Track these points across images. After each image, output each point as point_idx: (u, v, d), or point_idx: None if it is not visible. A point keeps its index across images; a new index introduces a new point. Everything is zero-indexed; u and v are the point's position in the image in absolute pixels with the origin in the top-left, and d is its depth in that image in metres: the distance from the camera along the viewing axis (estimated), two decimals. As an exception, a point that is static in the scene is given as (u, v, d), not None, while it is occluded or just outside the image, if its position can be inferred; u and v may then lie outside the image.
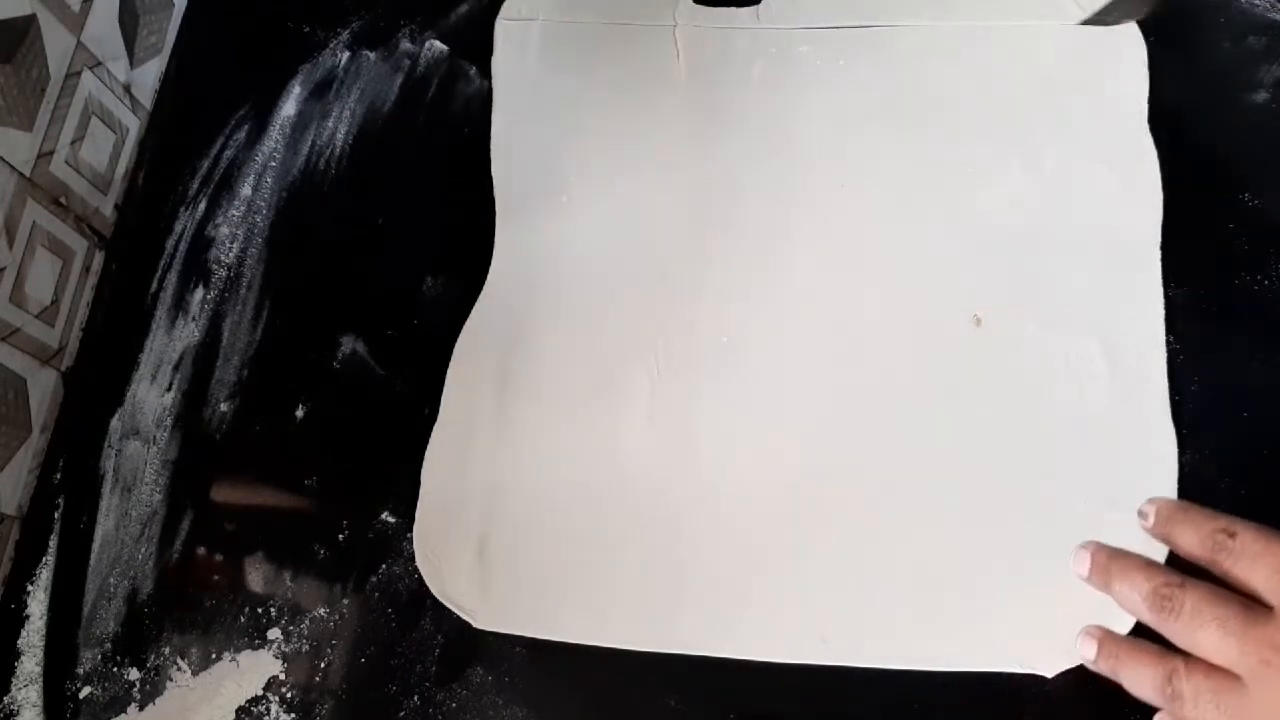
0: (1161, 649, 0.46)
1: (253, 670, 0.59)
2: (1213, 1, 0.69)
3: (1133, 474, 0.58)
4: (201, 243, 0.71)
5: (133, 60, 0.74)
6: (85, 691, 0.60)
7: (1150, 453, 0.58)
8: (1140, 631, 0.54)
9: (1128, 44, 0.68)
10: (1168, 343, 0.60)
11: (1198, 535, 0.46)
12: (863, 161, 0.67)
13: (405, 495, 0.62)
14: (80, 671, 0.61)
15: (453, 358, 0.65)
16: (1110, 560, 0.48)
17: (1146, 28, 0.68)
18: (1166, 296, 0.61)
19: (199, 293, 0.69)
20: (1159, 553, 0.56)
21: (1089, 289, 0.62)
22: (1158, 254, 0.62)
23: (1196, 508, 0.47)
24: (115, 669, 0.60)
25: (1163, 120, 0.66)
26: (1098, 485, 0.58)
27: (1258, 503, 0.57)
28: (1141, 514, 0.49)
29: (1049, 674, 0.54)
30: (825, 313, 0.64)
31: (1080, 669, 0.54)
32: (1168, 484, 0.57)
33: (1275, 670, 0.42)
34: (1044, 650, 0.55)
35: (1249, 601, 0.44)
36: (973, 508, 0.58)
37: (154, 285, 0.70)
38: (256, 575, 0.62)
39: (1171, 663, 0.45)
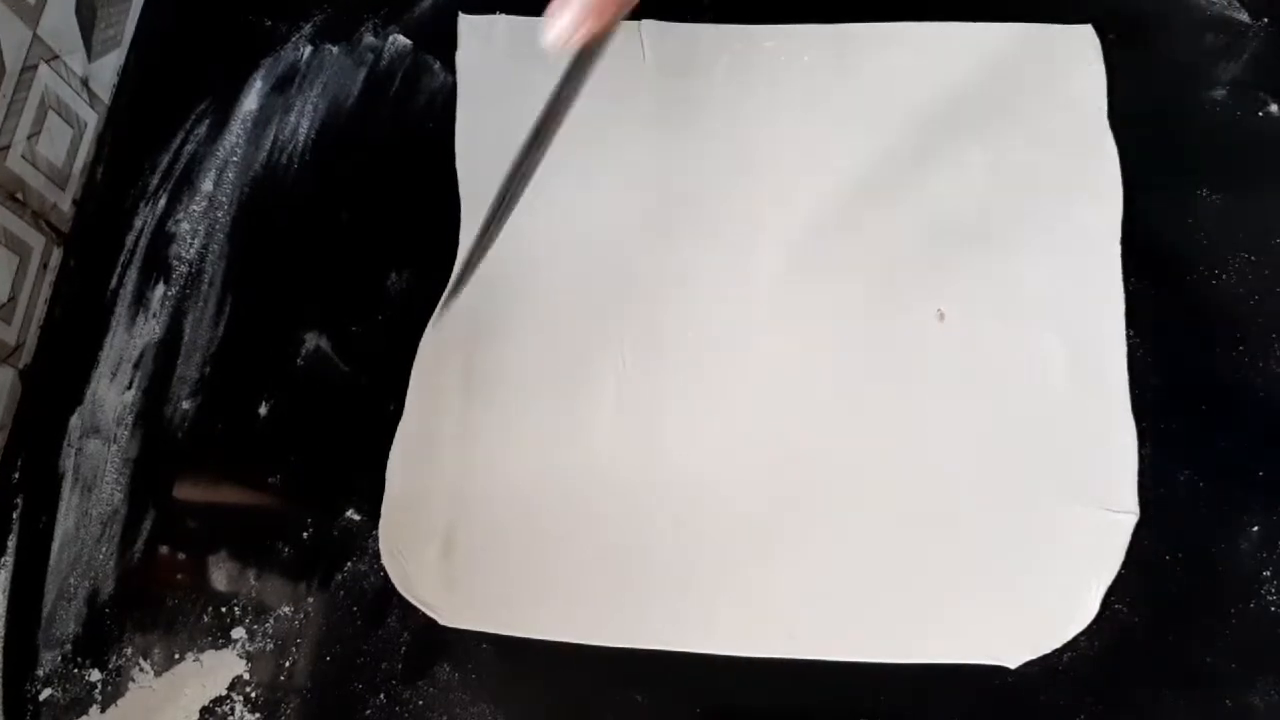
0: None
1: (217, 670, 0.59)
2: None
3: (1094, 467, 0.58)
4: (162, 239, 0.70)
5: (90, 53, 0.73)
6: (45, 693, 0.59)
7: (1111, 446, 0.59)
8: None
9: (1083, 42, 0.69)
10: (1128, 337, 0.61)
11: None
12: (826, 157, 0.68)
13: (370, 493, 0.61)
14: (40, 673, 0.60)
15: (417, 354, 0.64)
16: None
17: (1107, 25, 0.69)
18: (1126, 291, 0.62)
19: (160, 289, 0.69)
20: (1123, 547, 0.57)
21: (1050, 284, 0.63)
22: (1118, 249, 0.63)
23: None
24: (76, 670, 0.60)
25: (1123, 117, 0.66)
26: (1059, 478, 0.58)
27: (1216, 496, 0.58)
28: None
29: (1012, 665, 0.55)
30: (789, 308, 0.64)
31: (1043, 660, 0.54)
32: (1128, 477, 0.58)
33: None
34: (1008, 642, 0.55)
35: None
36: (936, 501, 0.59)
37: (114, 282, 0.69)
38: (220, 574, 0.61)
39: None
